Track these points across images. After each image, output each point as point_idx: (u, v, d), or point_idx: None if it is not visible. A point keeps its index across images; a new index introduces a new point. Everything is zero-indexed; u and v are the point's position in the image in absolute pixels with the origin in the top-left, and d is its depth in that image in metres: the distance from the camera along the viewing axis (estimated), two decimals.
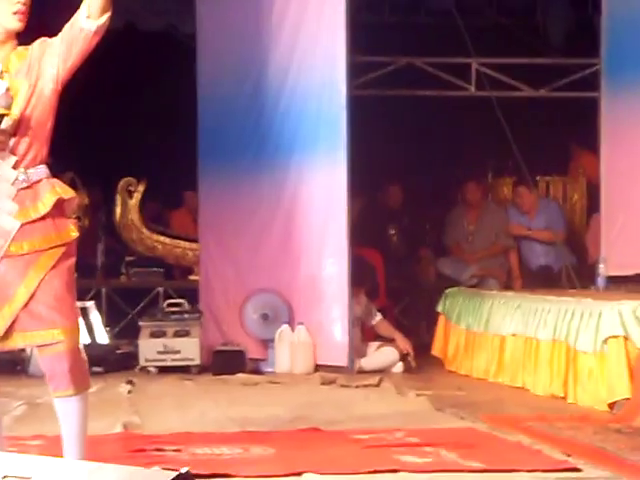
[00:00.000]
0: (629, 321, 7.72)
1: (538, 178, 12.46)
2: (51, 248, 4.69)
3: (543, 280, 11.16)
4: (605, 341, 7.82)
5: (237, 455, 5.94)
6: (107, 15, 4.68)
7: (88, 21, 4.67)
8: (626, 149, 10.32)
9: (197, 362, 9.87)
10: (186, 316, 10.16)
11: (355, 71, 10.34)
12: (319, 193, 10.03)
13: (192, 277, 11.21)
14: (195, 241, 11.07)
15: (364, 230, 11.23)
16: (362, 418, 7.30)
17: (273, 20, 10.19)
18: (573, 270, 11.32)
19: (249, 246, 10.28)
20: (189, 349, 9.91)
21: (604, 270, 10.46)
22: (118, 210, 11.72)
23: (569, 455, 5.90)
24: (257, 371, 9.90)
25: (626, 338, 7.70)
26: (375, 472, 5.45)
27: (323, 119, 9.95)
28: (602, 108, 10.67)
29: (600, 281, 10.46)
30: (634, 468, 5.58)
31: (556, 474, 5.45)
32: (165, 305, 10.54)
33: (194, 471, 5.30)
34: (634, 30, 10.18)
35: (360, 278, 10.13)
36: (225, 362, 9.78)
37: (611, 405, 7.63)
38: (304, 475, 5.39)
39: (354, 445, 6.26)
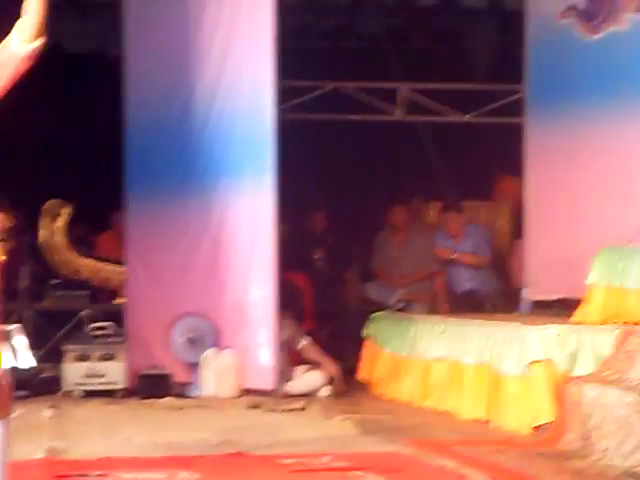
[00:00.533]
0: (552, 345, 7.81)
1: (464, 203, 12.54)
2: None
3: (469, 304, 11.20)
4: (529, 365, 7.87)
5: None
6: (41, 40, 4.61)
7: (21, 45, 4.60)
8: (549, 175, 10.43)
9: (122, 386, 9.80)
10: (111, 340, 10.10)
11: (283, 96, 10.35)
12: (246, 217, 10.03)
13: (118, 300, 11.14)
14: (121, 264, 11.00)
15: (291, 254, 11.23)
16: (288, 442, 7.30)
17: (201, 44, 10.18)
18: (498, 294, 11.43)
19: (176, 269, 10.23)
20: (114, 373, 9.85)
21: (528, 295, 10.59)
22: (43, 233, 11.64)
23: (493, 479, 5.95)
24: (183, 395, 9.84)
25: (549, 362, 7.77)
26: None
27: (250, 143, 9.96)
28: (526, 134, 10.79)
29: (524, 306, 10.58)
30: None
31: None
32: (90, 329, 10.45)
33: None
34: (556, 58, 10.32)
35: (287, 302, 10.13)
36: (151, 386, 9.74)
37: (535, 429, 7.68)
38: None
39: (280, 470, 6.26)
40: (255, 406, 9.15)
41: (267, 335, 9.84)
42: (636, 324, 8.06)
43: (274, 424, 8.25)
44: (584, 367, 7.67)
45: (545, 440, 7.27)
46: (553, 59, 10.38)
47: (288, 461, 6.49)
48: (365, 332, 10.83)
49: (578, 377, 7.47)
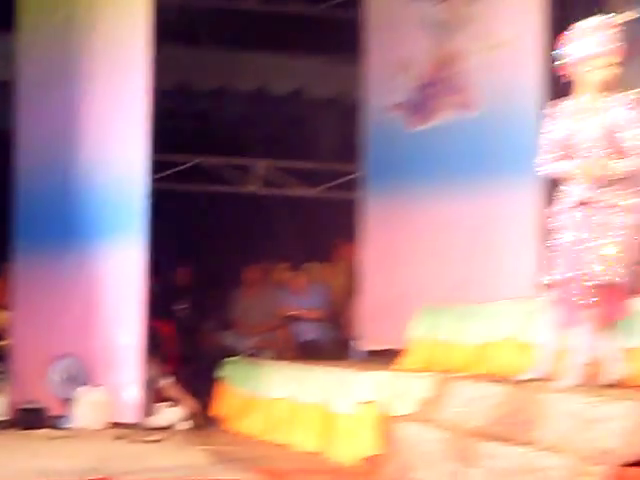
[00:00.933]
0: (379, 388, 7.84)
1: (308, 264, 12.60)
2: None
3: (310, 352, 11.24)
4: (358, 405, 7.88)
5: None
6: None
7: None
8: (379, 242, 10.56)
9: (3, 418, 9.63)
10: None
11: (155, 167, 10.32)
12: (117, 272, 9.96)
13: (2, 342, 10.91)
14: (7, 309, 10.79)
15: (158, 305, 11.17)
16: (149, 469, 7.21)
17: (83, 120, 10.14)
18: (335, 344, 11.48)
19: (54, 315, 10.12)
20: None
21: (360, 345, 10.66)
22: None
23: None
24: (57, 427, 9.68)
25: (376, 403, 7.78)
26: None
27: (124, 208, 9.90)
28: (361, 207, 10.91)
29: (356, 354, 10.65)
30: None
31: None
32: None
33: None
34: (387, 144, 10.49)
35: (153, 346, 10.06)
36: (28, 418, 9.59)
37: (361, 460, 7.67)
38: None
39: None
40: (121, 437, 9.03)
41: (134, 375, 9.75)
42: (448, 372, 8.17)
43: (137, 453, 8.15)
44: (405, 408, 7.72)
45: (369, 470, 7.26)
46: (384, 145, 10.56)
47: None
48: (220, 374, 10.79)
49: (400, 416, 7.50)
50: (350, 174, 11.67)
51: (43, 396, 9.99)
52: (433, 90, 9.94)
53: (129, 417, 9.66)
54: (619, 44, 6.44)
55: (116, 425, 9.61)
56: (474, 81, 9.37)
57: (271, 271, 12.76)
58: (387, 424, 7.40)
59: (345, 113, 12.11)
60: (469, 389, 6.98)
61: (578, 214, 6.51)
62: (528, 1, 8.48)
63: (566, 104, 6.59)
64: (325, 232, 11.97)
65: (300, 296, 11.89)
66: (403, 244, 10.14)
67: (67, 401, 9.95)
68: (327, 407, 8.37)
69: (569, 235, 6.53)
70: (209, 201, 12.42)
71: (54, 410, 9.93)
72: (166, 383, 10.24)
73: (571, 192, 6.57)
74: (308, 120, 13.10)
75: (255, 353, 11.43)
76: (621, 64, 6.44)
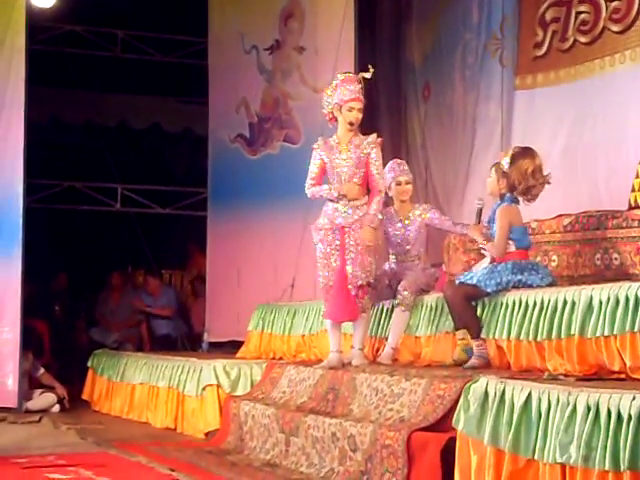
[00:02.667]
0: (221, 374, 7.86)
1: (163, 271, 12.55)
2: None
3: (165, 344, 11.20)
4: (204, 388, 7.90)
5: None
6: None
7: None
8: (224, 251, 10.60)
9: None
10: None
11: (31, 190, 10.16)
12: (0, 278, 9.72)
13: None
14: None
15: (36, 306, 10.97)
16: (24, 447, 7.07)
17: None
18: (186, 337, 11.45)
19: None
20: None
21: (207, 338, 10.64)
22: None
23: (173, 470, 5.92)
24: None
25: (218, 386, 7.82)
26: None
27: (5, 225, 9.65)
28: (208, 223, 10.93)
29: (204, 345, 10.63)
30: (218, 478, 5.67)
31: None
32: None
33: None
34: (229, 170, 10.55)
35: (29, 341, 9.87)
36: None
37: (206, 434, 7.69)
38: None
39: (14, 467, 6.05)
40: (1, 419, 8.82)
41: (13, 366, 9.53)
42: (279, 359, 8.25)
43: (15, 433, 7.97)
44: (242, 389, 7.77)
45: (212, 442, 7.29)
46: (227, 170, 10.60)
47: (21, 460, 6.30)
48: (89, 364, 10.65)
49: (237, 396, 7.54)
50: (198, 195, 11.66)
51: None
52: (266, 125, 10.03)
53: (8, 402, 9.42)
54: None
55: None
56: (298, 118, 9.49)
57: (133, 276, 12.67)
58: (227, 403, 7.44)
59: (194, 144, 12.09)
60: (294, 372, 7.07)
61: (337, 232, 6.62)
62: (341, 55, 8.67)
63: (329, 139, 6.78)
64: (179, 244, 11.95)
65: (154, 296, 11.82)
66: (242, 252, 10.18)
67: None
68: (178, 391, 8.36)
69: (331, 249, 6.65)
70: (78, 218, 12.26)
71: None
72: (41, 372, 10.04)
73: (327, 211, 6.70)
74: (164, 150, 13.05)
75: (118, 346, 11.32)
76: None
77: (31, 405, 9.59)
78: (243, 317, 9.45)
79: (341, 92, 6.68)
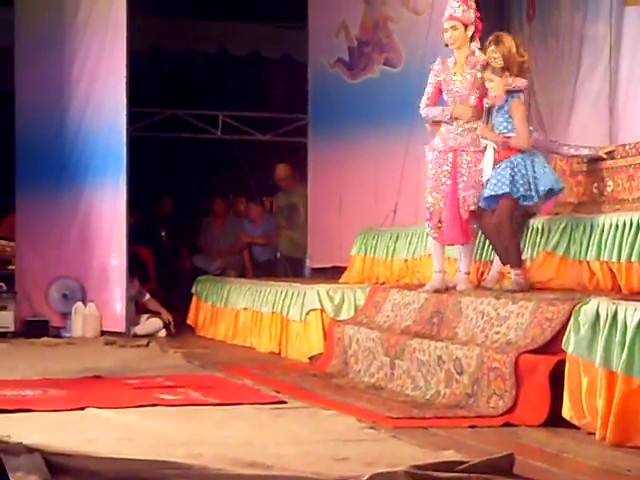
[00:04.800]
0: (324, 298, 7.89)
1: (264, 198, 12.59)
2: None
3: (267, 270, 11.29)
4: (308, 313, 7.94)
5: (38, 396, 5.81)
6: None
7: None
8: (325, 178, 10.57)
9: (12, 329, 9.60)
10: (4, 295, 9.86)
11: (134, 118, 10.26)
12: (106, 206, 9.89)
13: (10, 267, 10.84)
14: (13, 240, 10.72)
15: (141, 233, 11.16)
16: (134, 369, 7.20)
17: (73, 78, 10.05)
18: (288, 263, 11.51)
19: (53, 244, 10.07)
20: (5, 320, 9.61)
21: (309, 263, 10.69)
22: None
23: (279, 392, 5.98)
24: (58, 336, 9.69)
25: (322, 310, 7.85)
26: (140, 406, 5.41)
27: (110, 153, 9.82)
28: (309, 149, 10.90)
29: (306, 271, 10.69)
30: (325, 400, 5.70)
31: (269, 405, 5.51)
32: None
33: (3, 407, 5.24)
34: (329, 96, 10.45)
35: (135, 268, 10.07)
36: (33, 329, 9.58)
37: (310, 358, 7.74)
38: (87, 409, 5.29)
39: (126, 387, 6.19)
40: (111, 343, 9.06)
41: (120, 292, 9.76)
42: (382, 284, 8.24)
43: (124, 356, 8.18)
44: (346, 314, 7.79)
45: (317, 366, 7.33)
46: (327, 96, 10.52)
47: (132, 381, 6.45)
48: (193, 290, 10.82)
49: (341, 320, 7.57)
50: (298, 121, 11.62)
51: (45, 311, 9.99)
52: (366, 49, 9.90)
53: (117, 327, 9.68)
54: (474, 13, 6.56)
55: (106, 334, 9.62)
56: (399, 41, 9.34)
57: (234, 204, 12.75)
58: (331, 328, 7.48)
59: (294, 70, 12.02)
60: (397, 296, 7.06)
61: (450, 154, 6.59)
62: None
63: (447, 59, 6.65)
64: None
65: (256, 224, 11.87)
66: (343, 178, 10.13)
67: (65, 315, 9.95)
68: (282, 315, 8.43)
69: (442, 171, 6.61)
70: (182, 146, 12.35)
71: (55, 322, 9.92)
72: (147, 298, 10.26)
73: (442, 132, 6.64)
74: (263, 77, 13.00)
75: (221, 273, 11.45)
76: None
77: (138, 330, 9.82)
78: (345, 243, 9.47)
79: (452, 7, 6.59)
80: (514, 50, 6.25)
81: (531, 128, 7.06)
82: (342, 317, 7.71)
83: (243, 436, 4.59)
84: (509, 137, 6.31)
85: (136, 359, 7.93)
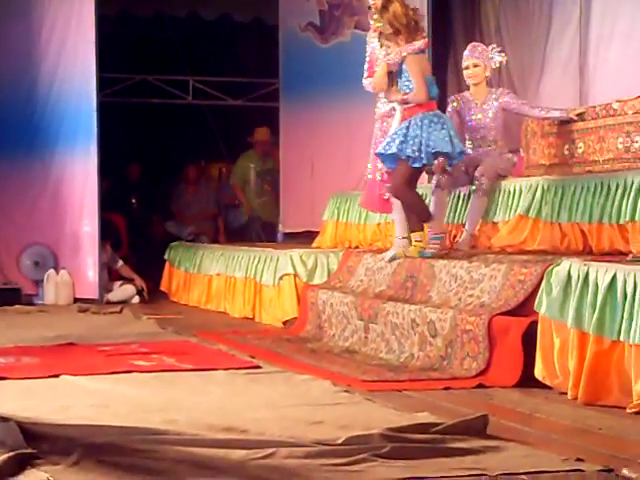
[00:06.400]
0: (297, 263, 7.89)
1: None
2: None
3: (240, 236, 11.27)
4: (281, 278, 7.94)
5: (11, 364, 5.77)
6: None
7: None
8: (296, 142, 10.52)
9: None
10: None
11: (104, 84, 10.17)
12: (78, 173, 9.81)
13: None
14: None
15: (113, 199, 11.10)
16: (108, 336, 7.15)
17: (41, 44, 9.91)
18: (261, 228, 11.50)
19: (25, 211, 9.96)
20: None
21: (281, 228, 10.68)
22: None
23: (253, 357, 5.98)
24: (30, 303, 9.63)
25: (295, 275, 7.85)
26: (115, 373, 5.38)
27: (81, 120, 9.73)
28: (281, 114, 10.84)
29: (279, 236, 10.68)
30: (299, 365, 5.70)
31: (244, 370, 5.50)
32: None
33: None
34: (300, 60, 10.39)
35: (107, 235, 10.02)
36: (5, 297, 9.51)
37: (284, 322, 7.74)
38: (61, 377, 5.26)
39: (100, 354, 6.16)
40: (84, 310, 9.02)
41: (93, 259, 9.72)
42: (355, 248, 8.25)
43: (97, 323, 8.14)
44: (319, 278, 7.79)
45: (291, 330, 7.34)
46: (298, 60, 10.45)
47: (106, 348, 6.42)
48: (165, 256, 10.79)
49: (315, 285, 7.57)
50: (270, 86, 11.55)
51: (17, 278, 9.93)
52: (337, 12, 9.83)
53: (90, 294, 9.64)
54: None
55: (79, 301, 9.58)
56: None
57: (206, 169, 12.70)
58: (304, 292, 7.48)
59: (265, 34, 11.94)
60: (371, 261, 7.06)
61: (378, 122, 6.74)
62: None
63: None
64: (250, 135, 11.88)
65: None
66: (315, 142, 10.09)
67: (38, 282, 9.90)
68: (255, 280, 8.42)
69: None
70: (152, 111, 12.26)
71: (27, 290, 9.87)
72: (120, 265, 10.22)
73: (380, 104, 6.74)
74: (233, 41, 12.90)
75: (194, 238, 11.43)
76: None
77: (111, 296, 9.79)
78: (317, 207, 9.46)
79: None
80: (399, 12, 6.23)
81: (501, 90, 7.07)
82: (315, 282, 7.71)
83: (218, 401, 4.59)
84: (407, 93, 6.32)
85: (109, 326, 7.89)
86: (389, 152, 6.33)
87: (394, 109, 6.60)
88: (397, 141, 6.27)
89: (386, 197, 6.74)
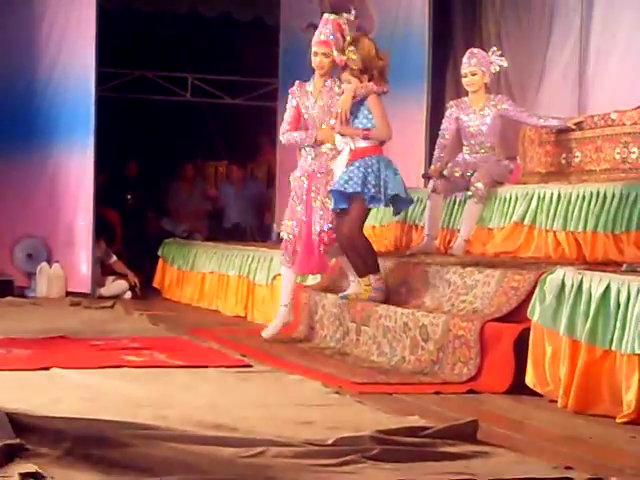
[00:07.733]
0: None
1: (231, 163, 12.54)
2: None
3: (234, 234, 11.26)
4: (274, 277, 7.93)
5: (2, 355, 5.75)
6: None
7: None
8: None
9: None
10: None
11: (102, 78, 10.16)
12: (74, 167, 9.82)
13: None
14: None
15: (108, 195, 11.09)
16: (100, 330, 7.15)
17: (41, 37, 9.93)
18: (255, 228, 11.49)
19: (20, 204, 9.95)
20: None
21: (276, 228, 10.65)
22: None
23: (245, 356, 5.96)
24: (22, 296, 9.62)
25: None
26: (105, 367, 5.38)
27: (79, 113, 9.74)
28: (278, 115, 10.80)
29: (273, 236, 10.66)
30: (290, 365, 5.69)
31: (235, 369, 5.49)
32: None
33: None
34: (300, 60, 10.36)
35: (102, 230, 10.01)
36: None
37: None
38: (52, 369, 5.25)
39: (92, 349, 6.14)
40: (76, 304, 9.00)
41: (86, 253, 9.71)
42: None
43: (89, 317, 8.12)
44: (312, 279, 7.69)
45: (283, 330, 7.29)
46: (298, 60, 10.41)
47: (97, 343, 6.40)
48: (159, 253, 10.77)
49: (308, 286, 7.55)
50: (268, 86, 11.55)
51: (10, 270, 9.91)
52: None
53: (82, 288, 9.63)
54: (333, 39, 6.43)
55: (71, 295, 9.56)
56: (371, 8, 9.27)
57: (203, 167, 12.69)
58: (297, 293, 7.45)
59: (265, 34, 11.94)
60: None
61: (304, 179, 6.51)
62: None
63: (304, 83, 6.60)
64: (249, 135, 11.89)
65: (237, 186, 11.80)
66: None
67: (30, 275, 9.88)
68: (249, 279, 8.42)
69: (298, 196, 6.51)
70: (150, 108, 12.25)
71: (19, 282, 9.86)
72: (113, 260, 10.20)
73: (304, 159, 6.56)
74: (233, 40, 12.90)
75: (188, 236, 11.42)
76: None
77: (104, 291, 9.78)
78: None
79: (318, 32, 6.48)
80: (373, 53, 6.12)
81: (500, 97, 7.07)
82: (308, 283, 7.68)
83: (209, 399, 4.58)
84: (369, 129, 6.13)
85: (101, 320, 7.87)
86: (351, 191, 6.06)
87: (321, 165, 6.41)
88: (359, 180, 6.03)
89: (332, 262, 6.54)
